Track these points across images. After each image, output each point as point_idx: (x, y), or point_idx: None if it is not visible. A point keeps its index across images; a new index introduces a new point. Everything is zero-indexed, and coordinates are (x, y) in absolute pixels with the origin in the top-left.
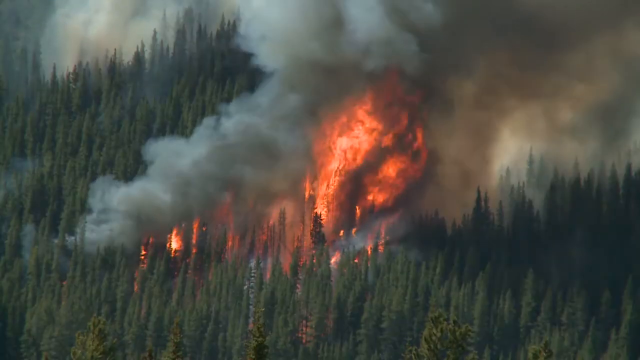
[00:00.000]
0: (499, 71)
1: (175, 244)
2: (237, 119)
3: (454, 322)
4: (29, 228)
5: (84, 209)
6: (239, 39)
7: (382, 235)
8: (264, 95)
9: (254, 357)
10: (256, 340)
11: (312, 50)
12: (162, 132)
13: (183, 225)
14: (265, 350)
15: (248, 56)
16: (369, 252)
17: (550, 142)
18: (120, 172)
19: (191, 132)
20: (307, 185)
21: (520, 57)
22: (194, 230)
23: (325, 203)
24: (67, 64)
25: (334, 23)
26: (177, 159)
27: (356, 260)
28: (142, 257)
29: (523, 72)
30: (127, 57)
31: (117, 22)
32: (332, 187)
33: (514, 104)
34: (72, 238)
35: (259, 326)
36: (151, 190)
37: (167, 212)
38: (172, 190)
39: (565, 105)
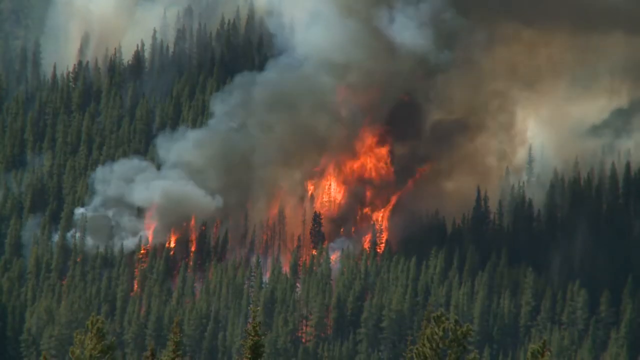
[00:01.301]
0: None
1: (173, 242)
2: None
3: (455, 321)
4: (28, 227)
5: (85, 203)
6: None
7: (382, 235)
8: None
9: (250, 356)
10: (252, 340)
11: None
12: (162, 131)
13: (184, 224)
14: (262, 349)
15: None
16: (369, 251)
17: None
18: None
19: (193, 127)
20: (309, 184)
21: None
22: (193, 230)
23: (326, 202)
24: (69, 51)
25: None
26: (180, 156)
27: (356, 260)
28: (141, 256)
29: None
30: (127, 56)
31: (121, 5)
32: (333, 185)
33: (537, 102)
34: (70, 234)
35: (255, 325)
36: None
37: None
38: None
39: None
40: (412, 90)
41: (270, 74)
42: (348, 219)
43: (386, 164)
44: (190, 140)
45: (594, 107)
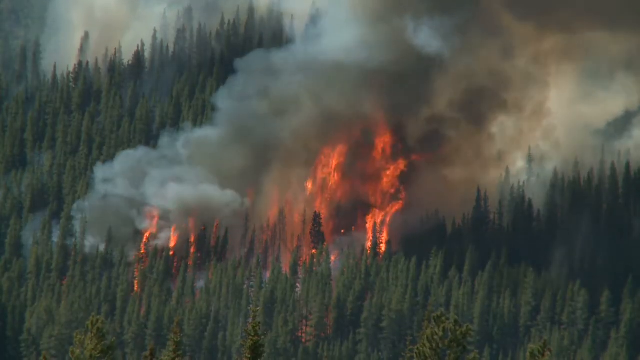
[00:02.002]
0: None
1: (173, 242)
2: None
3: (455, 321)
4: (28, 227)
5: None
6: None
7: (382, 234)
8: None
9: (250, 356)
10: (252, 340)
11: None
12: (162, 131)
13: (182, 224)
14: (262, 349)
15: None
16: (369, 251)
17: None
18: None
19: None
20: (308, 183)
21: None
22: (192, 229)
23: (326, 202)
24: (69, 50)
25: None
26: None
27: (356, 260)
28: (141, 256)
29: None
30: (127, 56)
31: (122, 3)
32: (333, 185)
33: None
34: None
35: (255, 325)
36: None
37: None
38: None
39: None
40: (427, 81)
41: (283, 59)
42: (348, 218)
43: (395, 147)
44: (196, 136)
45: (606, 108)
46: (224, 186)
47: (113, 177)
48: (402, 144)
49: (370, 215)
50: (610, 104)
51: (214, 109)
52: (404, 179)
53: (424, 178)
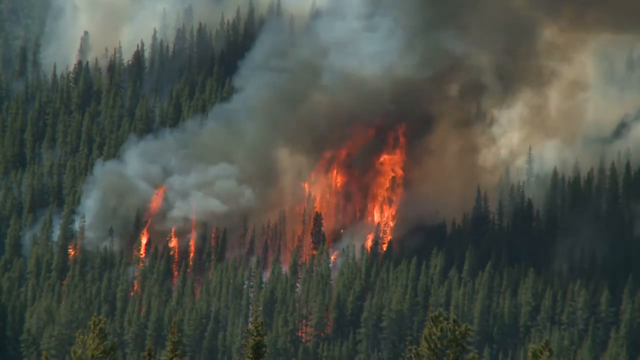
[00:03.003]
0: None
1: (174, 242)
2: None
3: (454, 321)
4: (28, 227)
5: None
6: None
7: (383, 235)
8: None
9: (251, 356)
10: (254, 340)
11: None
12: (162, 131)
13: (182, 223)
14: (264, 349)
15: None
16: (369, 251)
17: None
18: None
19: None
20: (307, 184)
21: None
22: (193, 229)
23: (326, 202)
24: (69, 50)
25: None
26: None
27: (356, 259)
28: (142, 256)
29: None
30: (127, 56)
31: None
32: (333, 185)
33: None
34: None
35: (257, 325)
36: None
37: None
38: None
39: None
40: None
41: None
42: (349, 218)
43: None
44: (196, 134)
45: (620, 107)
46: (224, 185)
47: (114, 175)
48: (409, 139)
49: (370, 215)
50: (625, 103)
51: (204, 107)
52: (409, 168)
53: (424, 182)
